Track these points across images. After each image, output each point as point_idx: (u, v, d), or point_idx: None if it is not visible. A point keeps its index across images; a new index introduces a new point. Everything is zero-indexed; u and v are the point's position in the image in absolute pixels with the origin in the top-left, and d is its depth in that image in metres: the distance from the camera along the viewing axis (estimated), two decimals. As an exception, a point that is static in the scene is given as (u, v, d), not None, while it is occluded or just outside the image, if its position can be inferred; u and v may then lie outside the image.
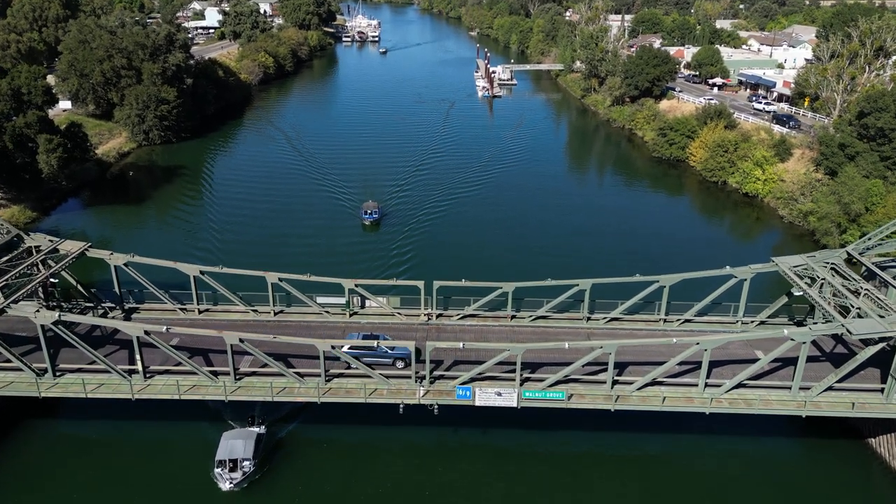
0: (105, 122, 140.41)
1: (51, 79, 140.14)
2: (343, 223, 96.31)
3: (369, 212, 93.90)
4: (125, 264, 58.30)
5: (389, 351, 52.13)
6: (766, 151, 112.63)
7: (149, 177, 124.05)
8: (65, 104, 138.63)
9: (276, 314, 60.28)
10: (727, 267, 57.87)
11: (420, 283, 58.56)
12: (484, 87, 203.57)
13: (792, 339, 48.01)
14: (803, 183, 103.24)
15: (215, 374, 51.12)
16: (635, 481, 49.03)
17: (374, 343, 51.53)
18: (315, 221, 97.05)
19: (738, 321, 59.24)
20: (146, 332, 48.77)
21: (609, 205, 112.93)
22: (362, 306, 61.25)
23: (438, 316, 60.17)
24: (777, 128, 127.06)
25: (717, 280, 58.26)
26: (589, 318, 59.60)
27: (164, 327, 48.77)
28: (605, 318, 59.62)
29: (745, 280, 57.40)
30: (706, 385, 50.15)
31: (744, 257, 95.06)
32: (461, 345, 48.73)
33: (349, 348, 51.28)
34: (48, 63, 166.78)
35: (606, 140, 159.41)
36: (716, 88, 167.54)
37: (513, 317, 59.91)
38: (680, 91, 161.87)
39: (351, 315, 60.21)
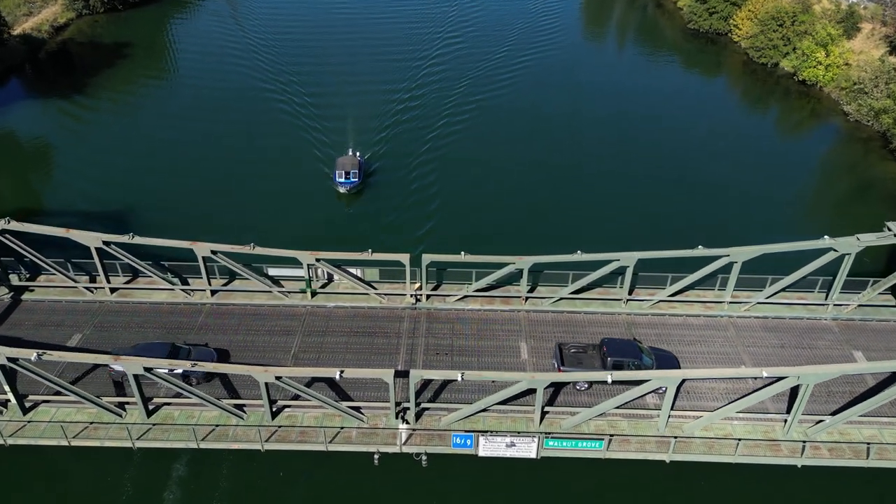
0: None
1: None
2: (309, 183, 68.62)
3: (346, 174, 65.84)
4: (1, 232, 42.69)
5: None
6: (833, 28, 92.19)
7: (92, 54, 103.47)
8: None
9: (213, 294, 45.37)
10: (825, 237, 42.12)
11: (404, 257, 43.08)
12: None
13: (932, 372, 33.54)
14: (877, 71, 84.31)
15: (124, 405, 37.30)
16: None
17: None
18: (269, 177, 69.62)
19: (828, 304, 44.48)
20: (10, 360, 34.26)
21: (626, 88, 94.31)
22: (329, 281, 46.33)
23: (429, 296, 45.30)
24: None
25: (808, 253, 42.85)
26: (629, 300, 44.82)
27: (34, 353, 34.01)
28: (649, 299, 44.82)
29: (849, 255, 41.98)
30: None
31: (787, 162, 79.51)
32: (459, 376, 34.24)
33: None
34: None
35: (629, 4, 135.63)
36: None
37: (527, 298, 45.11)
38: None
39: (312, 296, 45.36)
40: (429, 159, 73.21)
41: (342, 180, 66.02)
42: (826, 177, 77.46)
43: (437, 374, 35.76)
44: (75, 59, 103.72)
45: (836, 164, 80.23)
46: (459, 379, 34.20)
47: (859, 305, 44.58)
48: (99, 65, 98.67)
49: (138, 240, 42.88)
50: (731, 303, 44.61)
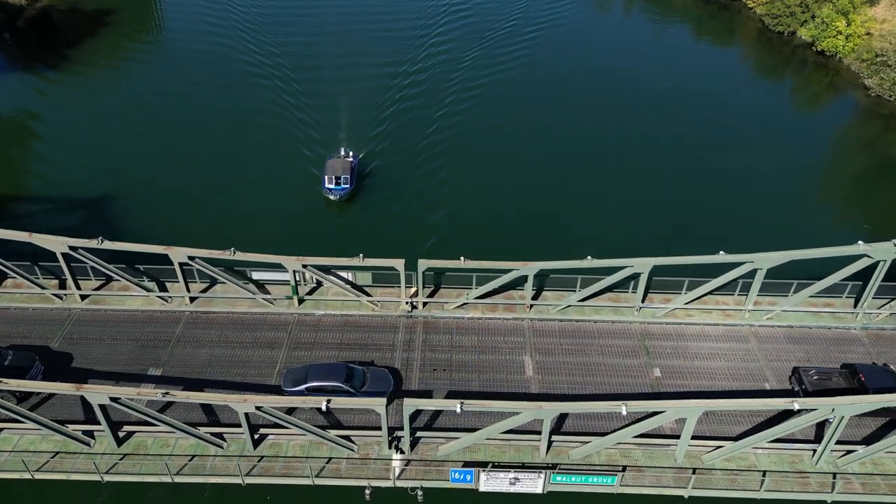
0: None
1: None
2: (298, 184, 62.96)
3: (337, 179, 59.68)
4: (-44, 237, 39.18)
5: None
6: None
7: (74, 23, 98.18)
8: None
9: (192, 301, 41.96)
10: (859, 243, 38.52)
11: (399, 263, 39.45)
12: None
13: (981, 404, 30.30)
14: (902, 42, 79.71)
15: (92, 433, 34.19)
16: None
17: None
18: (254, 176, 64.09)
19: (858, 312, 41.06)
20: (-38, 391, 31.08)
21: (633, 58, 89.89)
22: (318, 286, 42.89)
23: (426, 303, 41.90)
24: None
25: (838, 259, 39.28)
26: (641, 307, 41.40)
27: (-9, 384, 30.89)
28: (664, 307, 41.41)
29: (884, 262, 38.46)
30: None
31: (802, 138, 75.09)
32: (458, 407, 31.06)
33: None
34: None
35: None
36: None
37: (532, 306, 41.68)
38: None
39: (300, 303, 41.95)
40: (430, 156, 68.01)
41: (332, 186, 59.70)
42: (844, 155, 73.49)
43: (434, 404, 32.55)
44: (57, 28, 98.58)
45: (855, 142, 76.27)
46: (458, 410, 31.05)
47: (891, 314, 41.20)
48: (81, 35, 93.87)
49: (108, 244, 39.32)
50: (752, 311, 41.23)
